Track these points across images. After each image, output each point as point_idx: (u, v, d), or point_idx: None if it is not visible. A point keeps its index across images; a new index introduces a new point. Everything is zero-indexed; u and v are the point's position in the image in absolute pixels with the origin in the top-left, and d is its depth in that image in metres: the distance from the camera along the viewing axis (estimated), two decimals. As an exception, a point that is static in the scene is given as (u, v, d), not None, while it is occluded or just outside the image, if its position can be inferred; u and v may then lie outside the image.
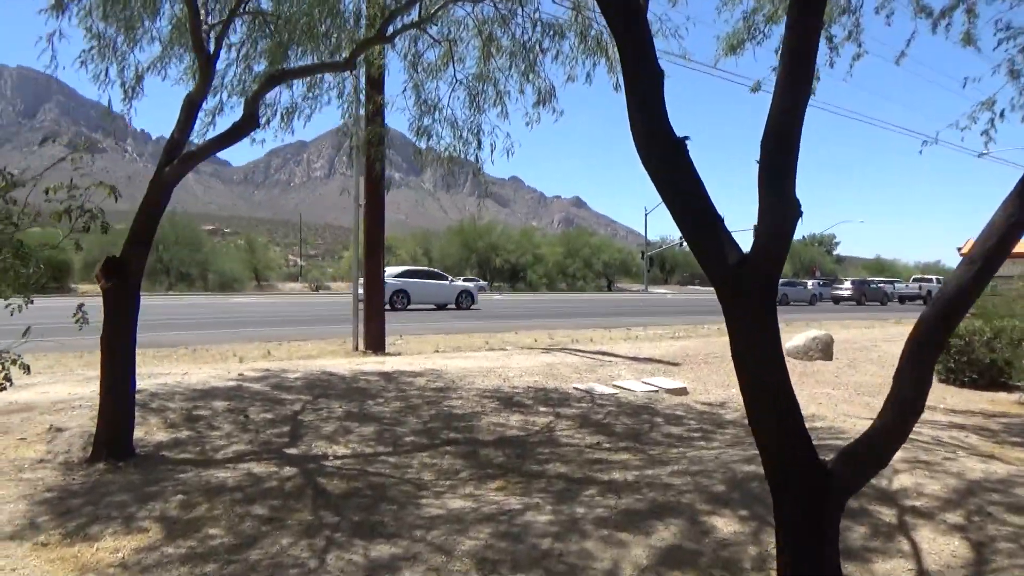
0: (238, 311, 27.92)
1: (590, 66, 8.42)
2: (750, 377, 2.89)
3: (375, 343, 13.60)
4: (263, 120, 8.05)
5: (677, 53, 8.32)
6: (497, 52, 8.38)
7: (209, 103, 7.22)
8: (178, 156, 5.87)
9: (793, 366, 11.81)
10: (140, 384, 7.23)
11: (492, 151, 8.17)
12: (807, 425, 3.13)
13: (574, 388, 8.81)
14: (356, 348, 13.69)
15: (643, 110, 2.82)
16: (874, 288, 48.96)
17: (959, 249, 20.68)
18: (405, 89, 8.12)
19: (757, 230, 2.70)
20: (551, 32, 8.33)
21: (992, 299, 11.95)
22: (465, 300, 31.51)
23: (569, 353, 12.03)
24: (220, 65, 7.06)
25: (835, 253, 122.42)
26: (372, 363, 10.12)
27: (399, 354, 13.07)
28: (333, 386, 8.19)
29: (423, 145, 8.24)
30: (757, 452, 5.67)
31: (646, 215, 79.04)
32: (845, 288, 48.13)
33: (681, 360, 11.50)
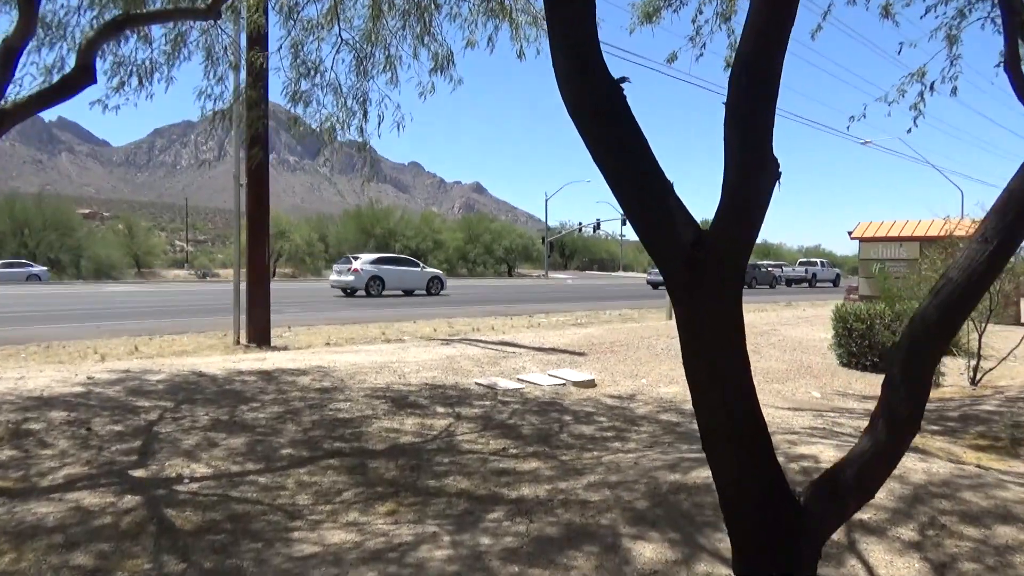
0: (110, 301, 25.63)
1: (491, 29, 7.70)
2: (705, 391, 2.25)
3: (259, 336, 12.45)
4: (111, 79, 6.91)
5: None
6: (389, 10, 7.52)
7: (47, 58, 6.04)
8: (-16, 116, 4.74)
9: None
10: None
11: (380, 123, 7.31)
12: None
13: (475, 384, 8.13)
14: (237, 342, 12.49)
15: (569, 39, 2.13)
16: (763, 272, 50.78)
17: (850, 233, 21.34)
18: (281, 47, 7.10)
19: (722, 198, 2.07)
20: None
21: (896, 282, 12.11)
22: (435, 286, 31.68)
23: (470, 344, 11.33)
24: (61, 12, 5.91)
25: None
26: (251, 360, 9.08)
27: (285, 348, 11.99)
28: (202, 389, 7.15)
29: (300, 112, 7.29)
30: (679, 456, 5.19)
31: (546, 200, 79.50)
32: (737, 272, 49.67)
33: (587, 349, 11.04)
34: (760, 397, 2.34)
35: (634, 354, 10.77)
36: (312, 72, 7.22)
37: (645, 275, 52.53)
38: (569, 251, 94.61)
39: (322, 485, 4.75)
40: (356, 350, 10.32)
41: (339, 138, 7.37)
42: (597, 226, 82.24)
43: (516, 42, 8.05)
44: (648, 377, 9.15)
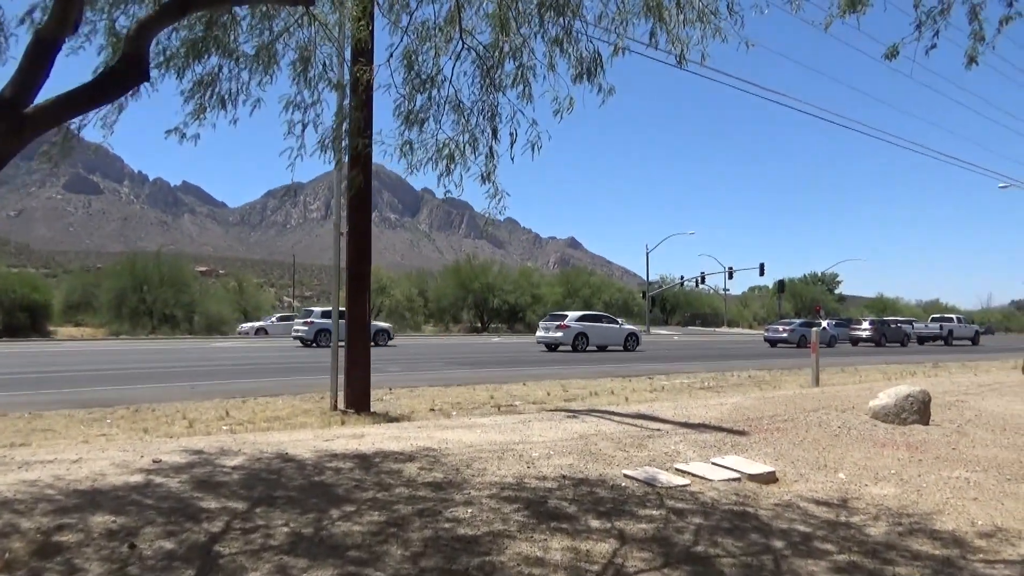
0: (213, 358, 25.31)
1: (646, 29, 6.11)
2: None
3: (358, 400, 11.09)
4: (188, 102, 5.71)
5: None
6: (519, 14, 6.06)
7: (96, 58, 4.89)
8: (7, 122, 3.46)
9: (890, 435, 9.31)
10: (-23, 490, 4.75)
11: (512, 142, 5.77)
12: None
13: (626, 476, 6.29)
14: (334, 407, 11.17)
15: None
16: (893, 328, 46.47)
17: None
18: (391, 55, 5.74)
19: None
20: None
21: None
22: (631, 342, 32.76)
23: (601, 417, 9.50)
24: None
25: (837, 292, 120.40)
26: (347, 437, 7.57)
27: (386, 415, 10.56)
28: (284, 482, 5.65)
29: (413, 136, 5.85)
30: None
31: (647, 253, 77.13)
32: (864, 328, 45.59)
33: (744, 426, 9.00)
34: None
35: (807, 434, 8.65)
36: (429, 85, 5.81)
37: (762, 331, 49.30)
38: (670, 306, 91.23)
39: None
40: (469, 424, 8.68)
41: (459, 165, 5.87)
42: (702, 280, 79.06)
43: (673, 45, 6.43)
44: (844, 470, 7.03)
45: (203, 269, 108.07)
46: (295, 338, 35.02)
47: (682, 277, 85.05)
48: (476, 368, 21.58)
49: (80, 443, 7.54)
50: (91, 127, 5.52)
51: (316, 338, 33.02)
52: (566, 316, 32.37)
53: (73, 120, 5.10)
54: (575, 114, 5.98)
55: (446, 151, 6.01)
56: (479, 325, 65.18)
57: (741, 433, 8.58)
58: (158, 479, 5.56)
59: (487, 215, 6.09)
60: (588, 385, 15.83)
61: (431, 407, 11.62)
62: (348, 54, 6.63)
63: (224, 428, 9.29)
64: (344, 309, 11.44)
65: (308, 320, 34.49)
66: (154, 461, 6.13)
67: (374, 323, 36.67)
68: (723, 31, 6.40)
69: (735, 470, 6.69)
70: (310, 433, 7.89)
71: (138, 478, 5.58)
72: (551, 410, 10.65)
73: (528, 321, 63.43)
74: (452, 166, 5.99)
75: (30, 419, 10.02)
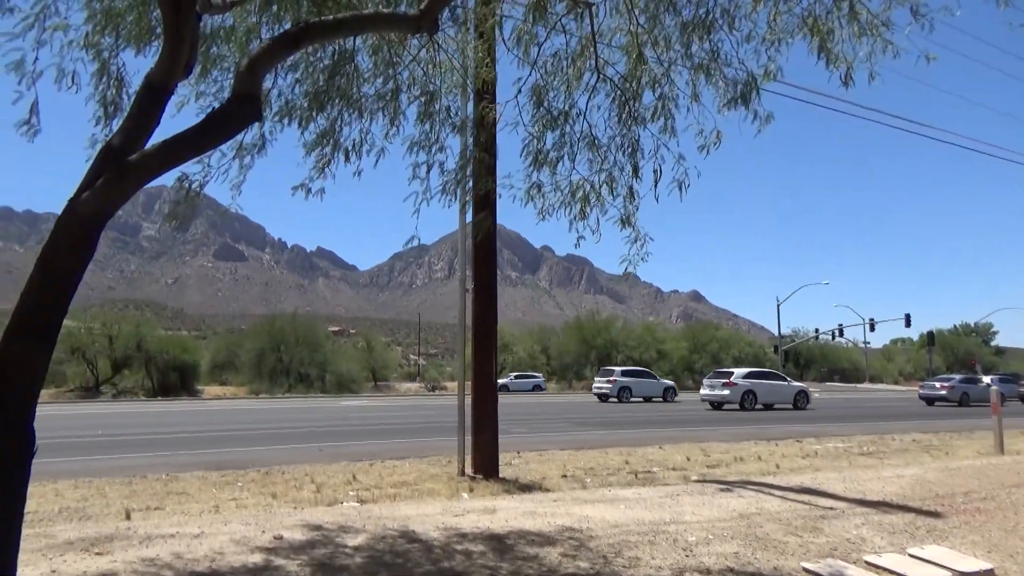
0: (342, 416, 25.62)
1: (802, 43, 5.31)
2: None
3: (486, 465, 10.46)
4: (309, 154, 5.43)
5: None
6: (655, 44, 5.44)
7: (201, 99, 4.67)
8: (111, 172, 3.16)
9: None
10: (112, 559, 4.43)
11: (656, 180, 5.07)
12: None
13: (806, 572, 5.24)
14: (462, 472, 10.59)
15: None
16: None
17: None
18: (520, 90, 5.23)
19: None
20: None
21: None
22: (801, 400, 31.64)
23: (759, 491, 8.36)
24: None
25: (993, 343, 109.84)
26: (478, 512, 6.91)
27: (516, 482, 9.86)
28: (410, 568, 5.03)
29: (543, 178, 5.28)
30: None
31: (778, 305, 73.19)
32: (1035, 385, 40.61)
33: (935, 505, 7.61)
34: None
35: (1019, 518, 7.17)
36: (561, 121, 5.25)
37: (912, 387, 45.16)
38: (804, 360, 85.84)
39: None
40: (611, 498, 7.79)
41: (595, 208, 5.24)
42: (840, 332, 74.05)
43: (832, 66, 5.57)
44: (1089, 569, 5.61)
45: (335, 329, 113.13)
46: (596, 394, 38.69)
47: (816, 330, 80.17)
48: (606, 429, 20.54)
49: (207, 512, 7.31)
50: (217, 186, 5.35)
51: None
52: (732, 373, 31.54)
53: (194, 176, 4.92)
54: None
55: (580, 192, 5.40)
56: (603, 382, 63.66)
57: (934, 515, 7.22)
58: (277, 560, 5.09)
59: (626, 262, 5.39)
60: (730, 449, 14.50)
61: (563, 473, 10.82)
62: (471, 92, 6.24)
63: (351, 493, 8.92)
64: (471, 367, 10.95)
65: (611, 379, 37.56)
66: (275, 538, 5.70)
67: (661, 380, 40.10)
68: (895, 45, 5.51)
69: (943, 566, 5.46)
70: (437, 505, 7.29)
71: (257, 558, 5.14)
72: (698, 481, 9.58)
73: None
74: (587, 209, 5.36)
75: (167, 481, 10.08)
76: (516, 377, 57.93)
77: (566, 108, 5.31)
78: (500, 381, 34.37)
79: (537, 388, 57.09)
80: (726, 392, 30.10)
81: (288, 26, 4.22)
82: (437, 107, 5.48)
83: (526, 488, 9.25)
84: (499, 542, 5.73)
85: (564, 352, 66.02)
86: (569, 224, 5.22)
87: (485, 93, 5.91)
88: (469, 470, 10.60)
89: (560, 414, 27.91)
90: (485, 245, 10.04)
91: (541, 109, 5.34)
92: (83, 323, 46.70)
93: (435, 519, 6.47)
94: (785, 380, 32.99)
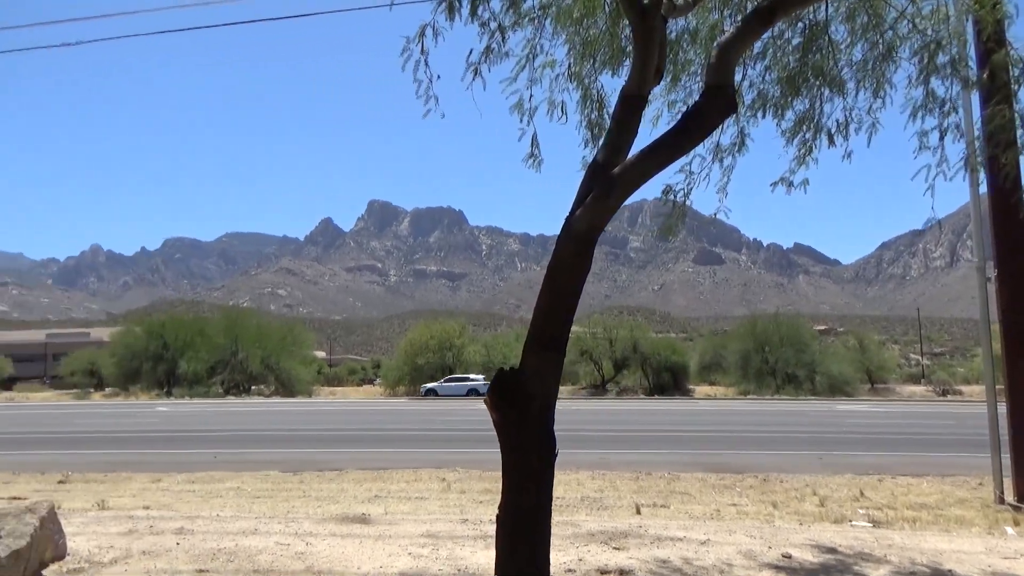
0: (838, 424, 23.83)
1: None
2: None
3: (1034, 492, 8.44)
4: (791, 141, 5.03)
5: None
6: None
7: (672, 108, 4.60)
8: (599, 187, 3.30)
9: None
10: (629, 555, 4.72)
11: None
12: None
13: None
14: (1000, 500, 8.74)
15: None
16: None
17: None
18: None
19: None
20: None
21: None
22: None
23: None
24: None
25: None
26: (1034, 557, 5.52)
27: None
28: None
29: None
30: None
31: None
32: None
33: None
34: None
35: None
36: None
37: None
38: None
39: None
40: None
41: None
42: None
43: None
44: None
45: (821, 328, 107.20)
46: None
47: None
48: None
49: (709, 517, 7.38)
50: (697, 194, 5.34)
51: None
52: None
53: (677, 186, 4.96)
54: None
55: None
56: None
57: None
58: (787, 582, 4.77)
59: None
60: None
61: None
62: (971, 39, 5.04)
63: (860, 512, 8.10)
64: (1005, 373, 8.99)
65: None
66: (783, 556, 5.39)
67: None
68: None
69: None
70: (977, 542, 6.06)
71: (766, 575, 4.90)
72: None
73: None
74: None
75: (669, 480, 10.61)
76: None
77: None
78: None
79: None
80: None
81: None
82: (941, 61, 4.53)
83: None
84: (1079, 603, 4.43)
85: None
86: None
87: (992, 37, 4.69)
88: (1010, 498, 8.70)
89: None
90: (1015, 224, 8.14)
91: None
92: (588, 329, 53.42)
93: (977, 559, 5.35)
94: None
